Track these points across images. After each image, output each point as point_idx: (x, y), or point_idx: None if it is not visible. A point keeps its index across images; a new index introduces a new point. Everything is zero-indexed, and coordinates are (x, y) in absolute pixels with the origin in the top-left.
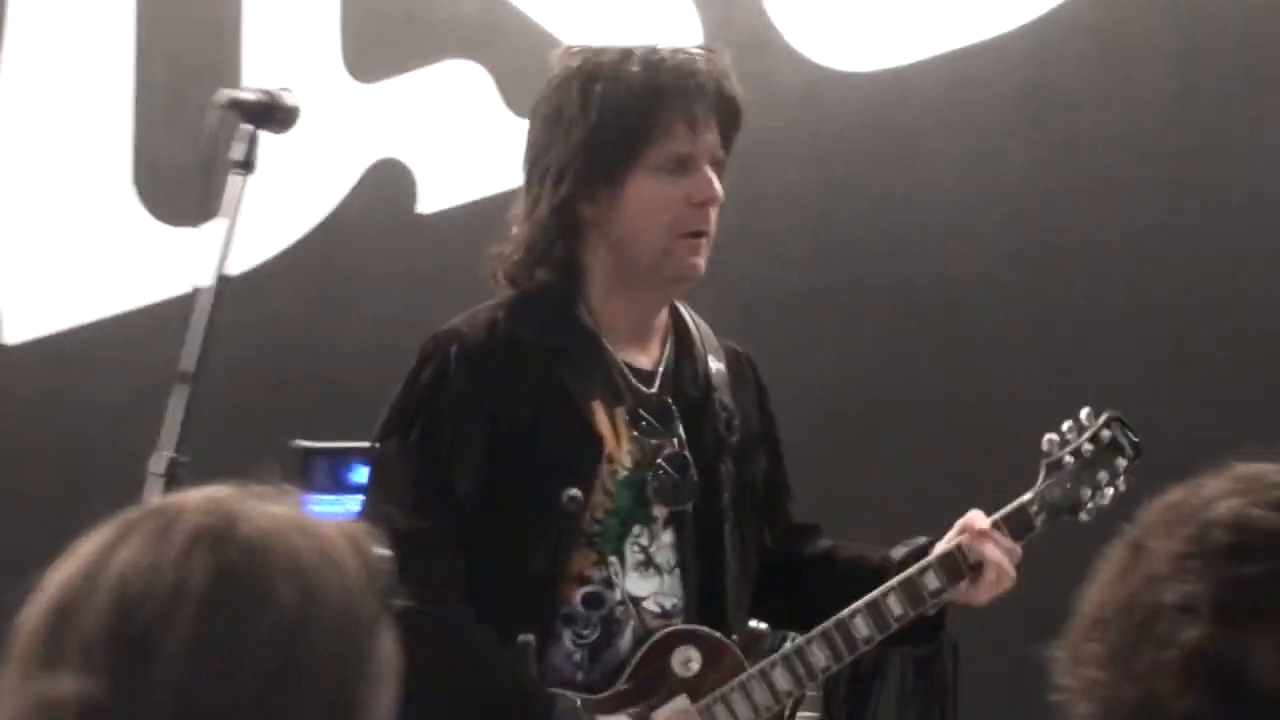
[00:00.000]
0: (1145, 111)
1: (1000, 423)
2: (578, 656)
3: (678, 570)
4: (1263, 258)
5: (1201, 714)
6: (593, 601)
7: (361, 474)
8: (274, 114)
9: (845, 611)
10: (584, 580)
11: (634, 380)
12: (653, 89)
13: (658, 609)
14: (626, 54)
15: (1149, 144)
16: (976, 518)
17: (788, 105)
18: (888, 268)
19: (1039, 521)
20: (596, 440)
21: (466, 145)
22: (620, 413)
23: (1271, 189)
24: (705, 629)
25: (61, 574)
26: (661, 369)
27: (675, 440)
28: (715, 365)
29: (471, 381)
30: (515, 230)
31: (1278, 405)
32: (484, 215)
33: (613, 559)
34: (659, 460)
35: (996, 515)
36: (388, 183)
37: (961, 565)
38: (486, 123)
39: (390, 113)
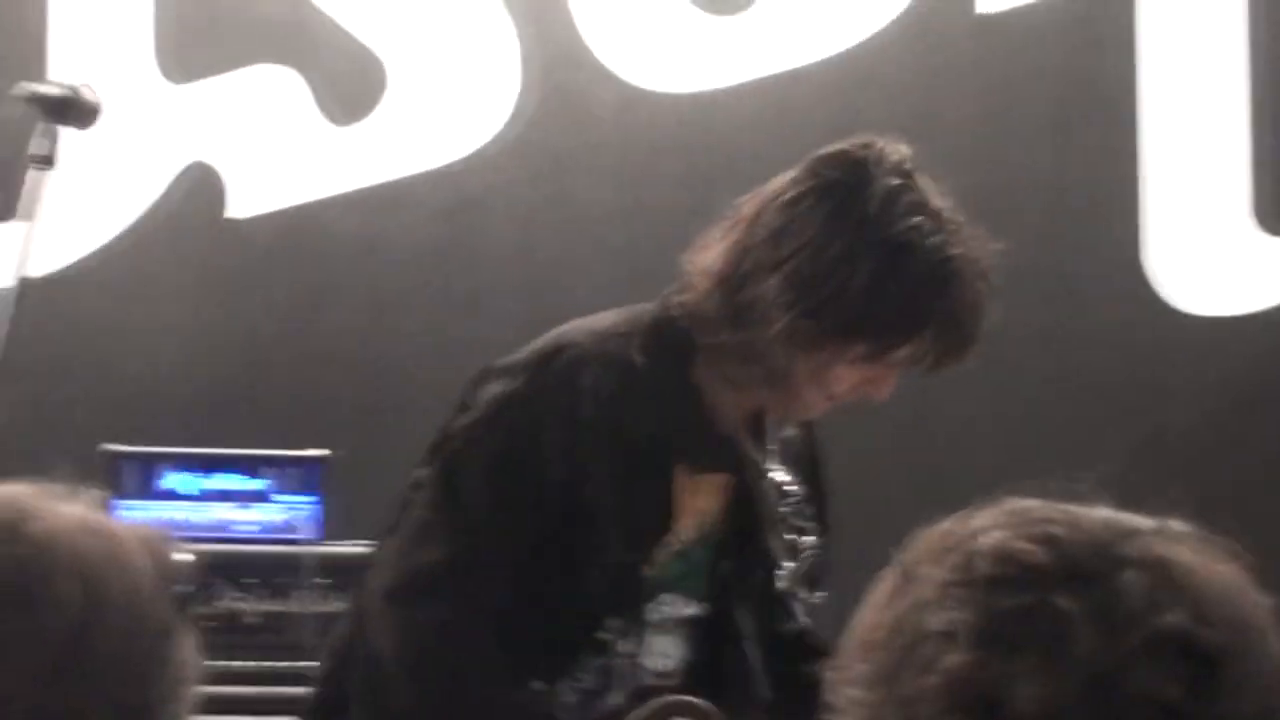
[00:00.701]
0: (951, 141)
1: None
2: (570, 700)
3: (681, 629)
4: (1056, 284)
5: None
6: (596, 649)
7: (172, 480)
8: (76, 109)
9: None
10: (598, 627)
11: (734, 446)
12: (939, 321)
13: (655, 668)
14: (945, 261)
15: (954, 174)
16: None
17: (600, 124)
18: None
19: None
20: (669, 507)
21: (279, 151)
22: (703, 480)
23: (1070, 218)
24: (705, 703)
25: None
26: (769, 446)
27: (809, 524)
28: (791, 431)
29: (595, 426)
30: (717, 257)
31: (1087, 425)
32: (294, 222)
33: (629, 613)
34: (802, 548)
35: None
36: (198, 186)
37: None
38: (299, 128)
39: (202, 115)
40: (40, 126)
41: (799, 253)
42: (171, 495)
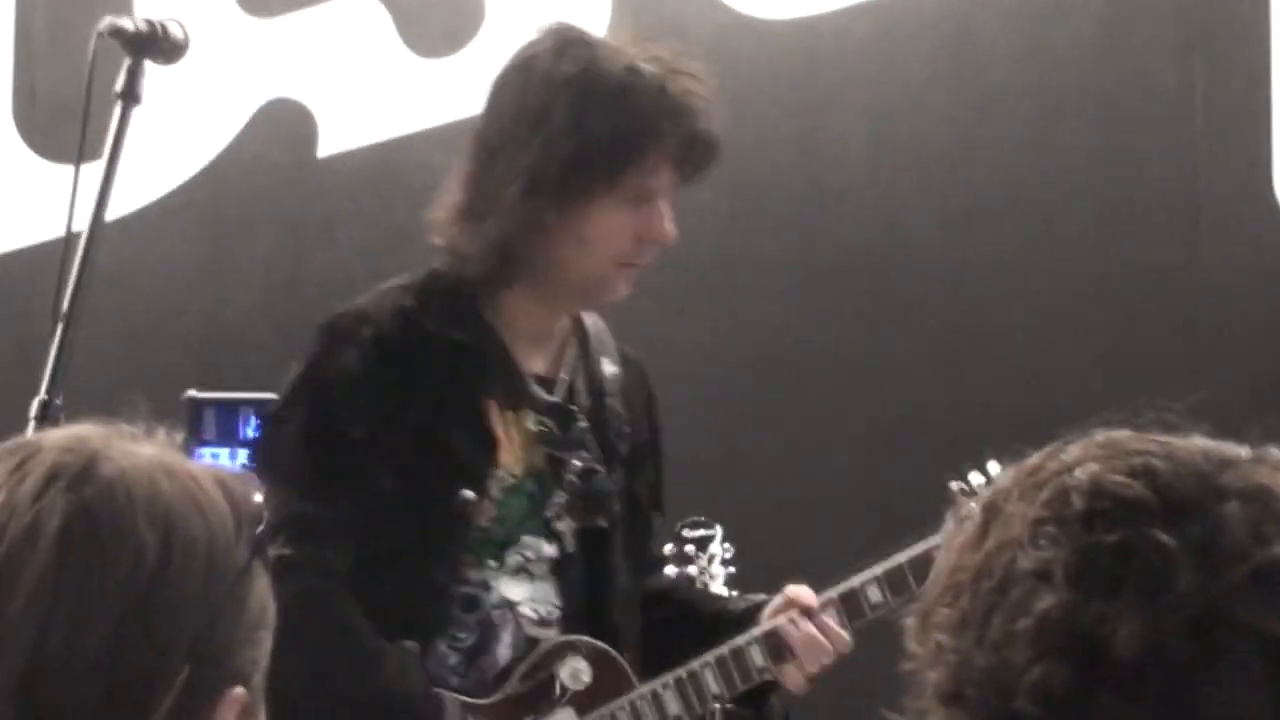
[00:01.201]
0: (1066, 67)
1: (918, 382)
2: (453, 660)
3: (553, 577)
4: (1180, 218)
5: (1055, 683)
6: (469, 604)
7: (254, 427)
8: (160, 45)
9: (734, 642)
10: (461, 582)
11: (533, 385)
12: (649, 120)
13: (534, 615)
14: (630, 70)
15: (1069, 100)
16: (802, 594)
17: (699, 51)
18: (799, 222)
19: None
20: (491, 441)
21: (366, 86)
22: (513, 417)
23: (1192, 147)
24: (598, 642)
25: None
26: (562, 375)
27: (584, 451)
28: (610, 369)
29: (387, 371)
30: (453, 198)
31: (1189, 360)
32: (381, 159)
33: (491, 562)
34: (568, 475)
35: (839, 590)
36: (282, 123)
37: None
38: (384, 63)
39: (285, 50)
40: (126, 62)
41: (505, 132)
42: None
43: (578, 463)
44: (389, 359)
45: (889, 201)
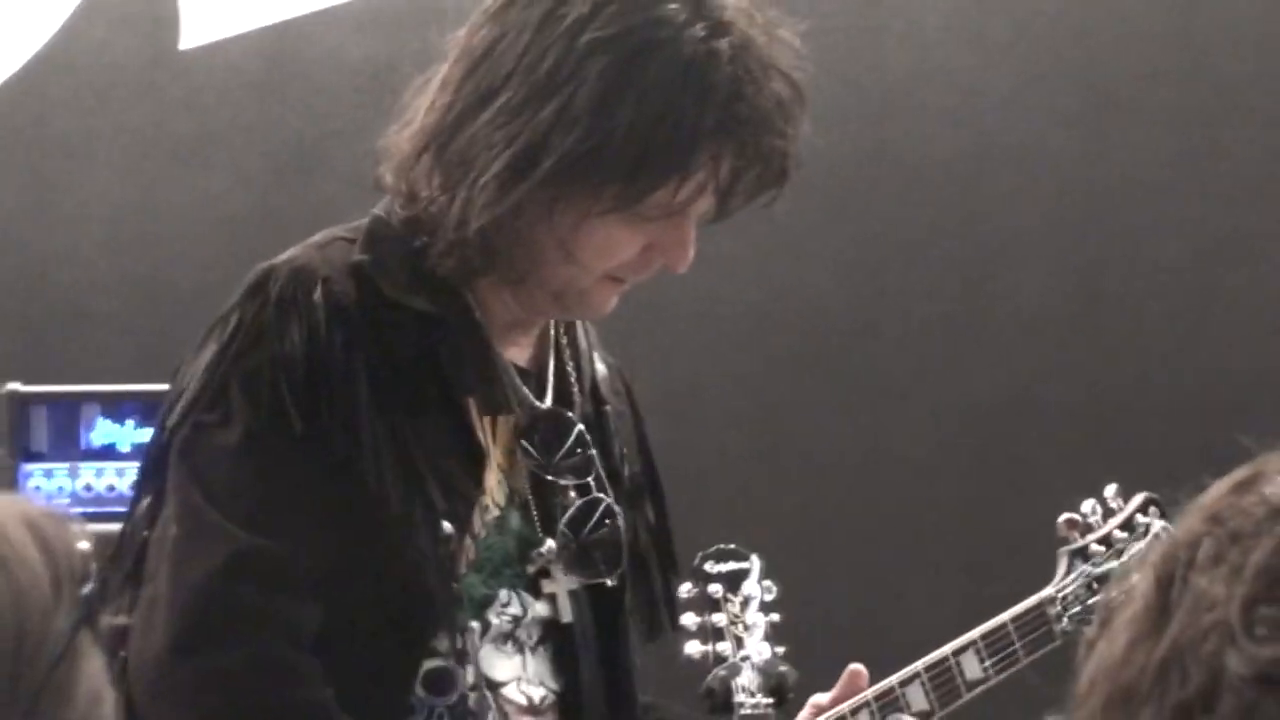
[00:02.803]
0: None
1: (1012, 367)
2: None
3: (546, 648)
4: None
5: None
6: (439, 684)
7: (104, 430)
8: None
9: None
10: (428, 653)
11: (519, 382)
12: (707, 134)
13: (524, 700)
14: (702, 50)
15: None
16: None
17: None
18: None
19: (1061, 628)
20: (479, 455)
21: None
22: (490, 424)
23: None
24: None
25: None
26: (551, 373)
27: (590, 479)
28: (602, 368)
29: (356, 352)
30: (417, 130)
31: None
32: (267, 50)
33: (473, 624)
34: (562, 509)
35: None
36: (129, 6)
37: None
38: None
39: None
40: None
41: (504, 77)
42: (104, 453)
43: (574, 494)
44: (349, 333)
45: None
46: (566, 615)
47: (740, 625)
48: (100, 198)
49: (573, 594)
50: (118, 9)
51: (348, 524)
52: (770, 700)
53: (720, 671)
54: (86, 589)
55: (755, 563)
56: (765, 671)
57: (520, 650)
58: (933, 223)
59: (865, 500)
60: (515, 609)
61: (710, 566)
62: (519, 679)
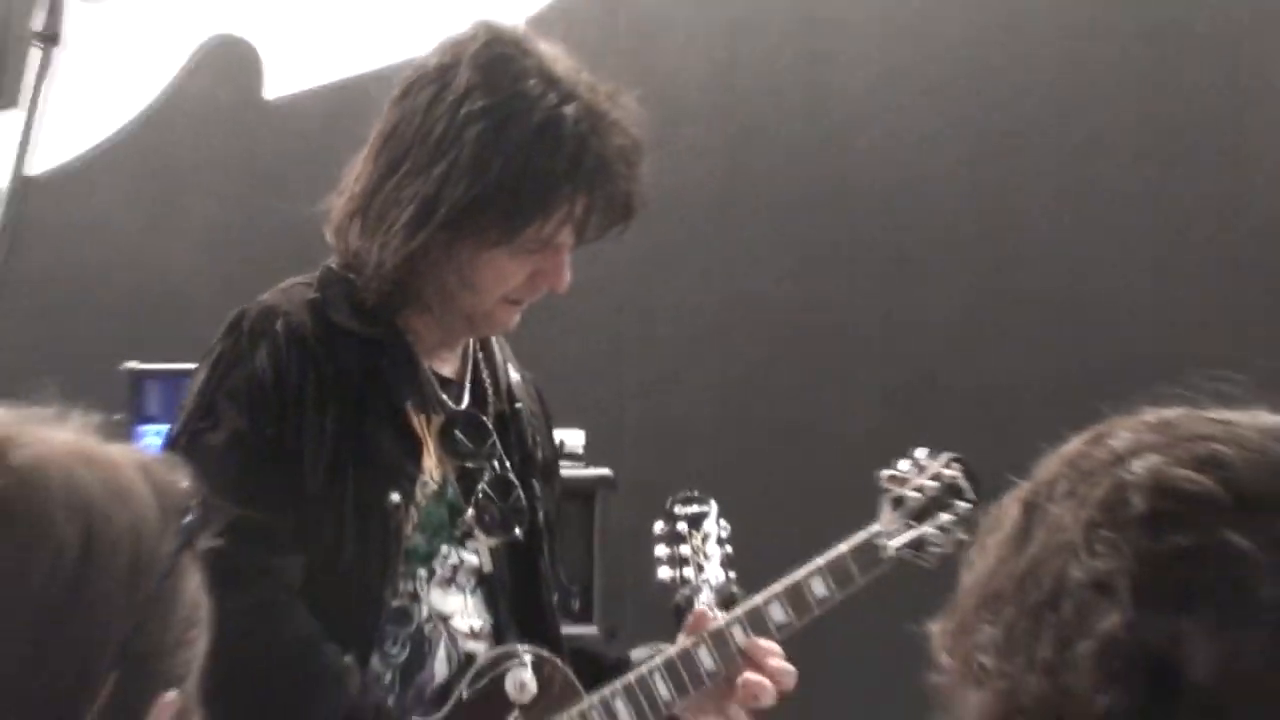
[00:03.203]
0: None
1: (933, 343)
2: (388, 678)
3: (480, 590)
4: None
5: (1122, 713)
6: (399, 617)
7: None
8: None
9: (680, 645)
10: (393, 594)
11: (441, 392)
12: (560, 179)
13: (466, 629)
14: (552, 114)
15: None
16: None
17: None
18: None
19: (887, 556)
20: (416, 444)
21: (312, 22)
22: (425, 421)
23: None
24: (541, 650)
25: None
26: (469, 381)
27: (496, 462)
28: (515, 376)
29: (308, 368)
30: (348, 199)
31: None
32: (335, 102)
33: (420, 572)
34: (481, 486)
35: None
36: (226, 63)
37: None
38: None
39: None
40: (47, 2)
41: (406, 148)
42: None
43: (487, 473)
44: (304, 354)
45: (894, 140)
46: (487, 566)
47: (701, 555)
48: (202, 215)
49: (493, 550)
50: (217, 65)
51: (311, 499)
52: (723, 611)
53: (685, 592)
54: (187, 519)
55: (713, 506)
56: (720, 592)
57: (461, 591)
58: (860, 235)
59: (802, 461)
60: (454, 560)
61: (678, 509)
62: (462, 612)
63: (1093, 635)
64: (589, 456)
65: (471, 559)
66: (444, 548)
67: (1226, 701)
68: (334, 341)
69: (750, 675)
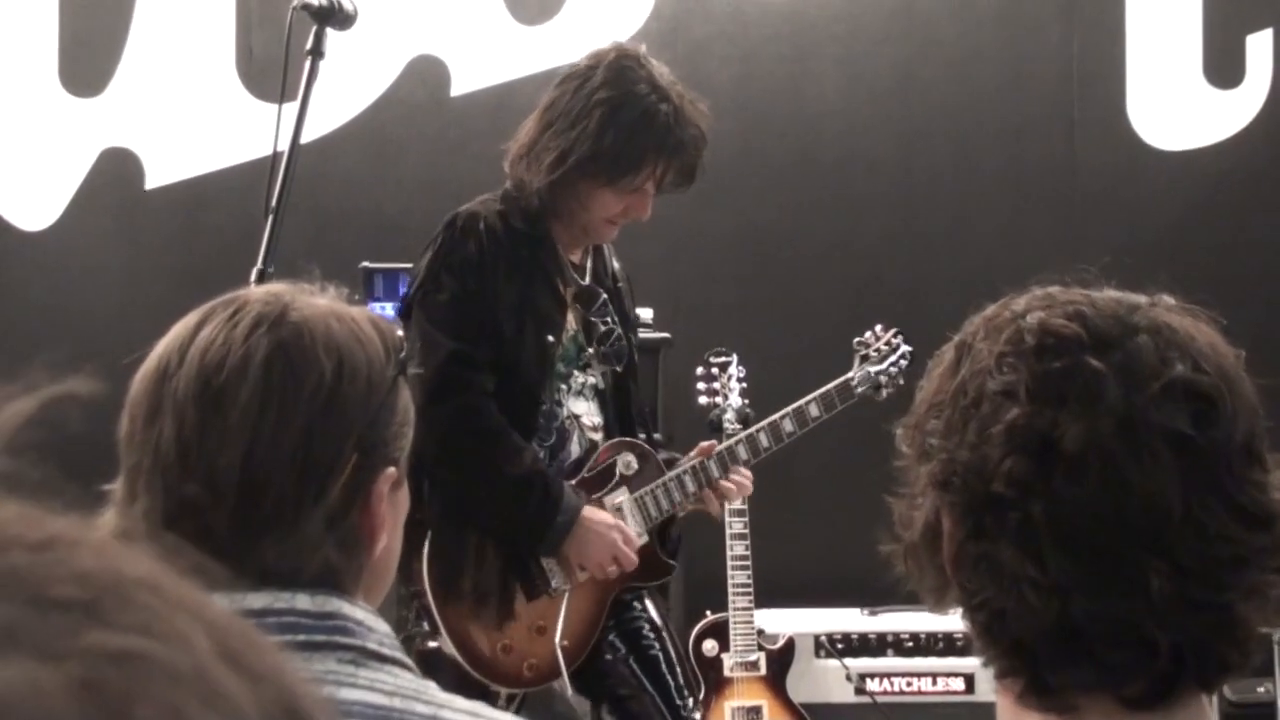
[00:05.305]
0: (980, 28)
1: (878, 260)
2: (541, 455)
3: (596, 399)
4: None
5: (1020, 471)
6: (550, 416)
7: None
8: (337, 16)
9: (725, 445)
10: (545, 399)
11: (572, 272)
12: (649, 152)
13: (590, 424)
14: (651, 108)
15: (984, 49)
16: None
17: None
18: (788, 141)
19: (859, 393)
20: (561, 304)
21: (481, 44)
22: (564, 289)
23: (1068, 81)
24: (640, 442)
25: (159, 348)
26: (589, 268)
27: (607, 319)
28: (616, 265)
29: (500, 254)
30: (520, 144)
31: (1070, 243)
32: (498, 97)
33: (562, 386)
34: (597, 333)
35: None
36: (424, 71)
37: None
38: (496, 27)
39: (427, 18)
40: (314, 29)
41: (556, 116)
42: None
43: (601, 327)
44: (496, 244)
45: (853, 125)
46: (601, 385)
47: (727, 388)
48: (410, 170)
49: (604, 375)
50: (417, 73)
51: (502, 338)
52: (740, 425)
53: (715, 411)
54: (400, 354)
55: (735, 358)
56: (739, 412)
57: (587, 400)
58: (819, 211)
59: (799, 330)
60: (582, 379)
61: (711, 359)
62: (587, 414)
63: (1002, 423)
64: (655, 324)
65: (592, 379)
66: (575, 371)
67: (1088, 463)
68: (513, 237)
69: (724, 482)
